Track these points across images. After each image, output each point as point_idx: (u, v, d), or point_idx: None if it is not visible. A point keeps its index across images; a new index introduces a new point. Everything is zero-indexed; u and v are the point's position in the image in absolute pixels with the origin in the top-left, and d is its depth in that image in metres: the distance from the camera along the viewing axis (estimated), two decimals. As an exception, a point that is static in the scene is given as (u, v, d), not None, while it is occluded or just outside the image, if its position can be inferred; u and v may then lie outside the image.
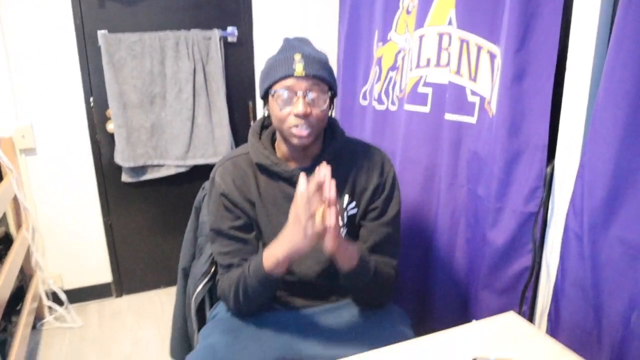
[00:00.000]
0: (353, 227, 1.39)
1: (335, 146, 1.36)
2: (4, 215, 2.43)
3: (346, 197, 1.36)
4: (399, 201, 1.41)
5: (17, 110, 2.44)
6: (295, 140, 1.25)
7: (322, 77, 1.24)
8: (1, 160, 2.24)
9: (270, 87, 1.25)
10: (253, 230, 1.36)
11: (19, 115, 2.45)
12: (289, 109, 1.23)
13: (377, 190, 1.37)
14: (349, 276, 1.26)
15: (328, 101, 1.26)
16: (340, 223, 1.35)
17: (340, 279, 1.29)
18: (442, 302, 1.84)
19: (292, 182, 1.30)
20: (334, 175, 1.32)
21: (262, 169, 1.34)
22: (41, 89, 2.47)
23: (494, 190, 1.52)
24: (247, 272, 1.24)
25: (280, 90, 1.22)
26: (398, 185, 1.42)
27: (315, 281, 1.38)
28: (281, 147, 1.35)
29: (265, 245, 1.31)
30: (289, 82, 1.22)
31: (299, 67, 1.21)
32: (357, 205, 1.37)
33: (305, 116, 1.22)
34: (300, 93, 1.21)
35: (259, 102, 2.89)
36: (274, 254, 1.19)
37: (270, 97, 1.26)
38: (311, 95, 1.22)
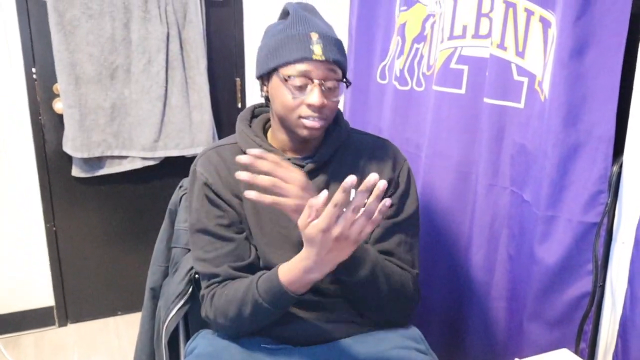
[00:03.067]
0: None
1: (339, 136, 1.47)
2: None
3: (352, 193, 1.40)
4: (416, 198, 1.50)
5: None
6: (304, 132, 1.35)
7: (340, 63, 1.34)
8: None
9: (277, 67, 1.33)
10: (243, 230, 1.41)
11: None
12: (301, 97, 1.32)
13: (389, 184, 1.43)
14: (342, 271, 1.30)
15: (343, 90, 1.38)
16: None
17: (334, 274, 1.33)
18: (478, 335, 1.86)
19: None
20: (339, 168, 1.42)
21: None
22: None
23: (545, 194, 1.54)
24: (257, 291, 1.27)
25: (294, 74, 1.30)
26: (414, 181, 1.52)
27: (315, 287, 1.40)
28: (278, 136, 1.45)
29: (255, 248, 1.39)
30: (304, 66, 1.30)
31: (317, 50, 1.29)
32: None
33: (320, 108, 1.31)
34: (317, 81, 1.30)
35: (249, 79, 2.92)
36: (298, 277, 1.22)
37: (276, 79, 1.34)
38: (328, 84, 1.32)
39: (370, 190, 1.07)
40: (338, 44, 1.35)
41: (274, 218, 1.40)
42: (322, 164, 1.43)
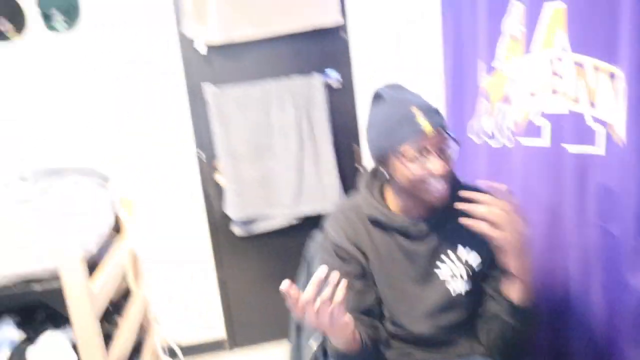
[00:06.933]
0: (478, 283, 1.34)
1: (451, 193, 1.31)
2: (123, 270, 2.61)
3: (460, 248, 1.33)
4: None
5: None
6: (434, 200, 1.25)
7: (444, 126, 1.23)
8: (120, 215, 2.42)
9: (395, 150, 1.24)
10: (368, 279, 1.35)
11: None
12: (423, 168, 1.22)
13: (486, 244, 1.28)
14: (518, 312, 1.25)
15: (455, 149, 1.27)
16: (465, 277, 1.33)
17: (504, 311, 1.26)
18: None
19: (408, 235, 1.34)
20: (448, 223, 1.31)
21: (376, 223, 1.35)
22: (151, 141, 2.70)
23: (633, 227, 1.37)
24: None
25: (414, 152, 1.21)
26: None
27: (431, 336, 1.34)
28: (398, 201, 1.36)
29: (382, 300, 1.34)
30: (418, 141, 1.21)
31: (424, 123, 1.20)
32: (480, 257, 1.35)
33: (445, 174, 1.22)
34: (433, 150, 1.21)
35: (364, 146, 2.90)
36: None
37: (394, 160, 1.25)
38: (443, 149, 1.23)
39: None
40: (435, 110, 1.25)
41: (399, 274, 1.34)
42: (433, 226, 1.33)
